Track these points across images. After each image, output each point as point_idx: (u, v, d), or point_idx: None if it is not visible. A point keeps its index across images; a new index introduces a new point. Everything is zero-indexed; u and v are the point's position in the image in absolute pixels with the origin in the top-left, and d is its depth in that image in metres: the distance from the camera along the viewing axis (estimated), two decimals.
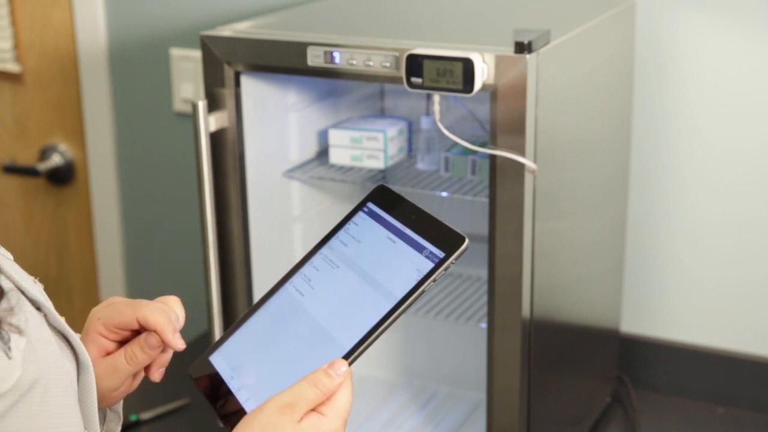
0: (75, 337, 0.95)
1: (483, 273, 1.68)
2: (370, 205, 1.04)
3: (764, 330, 1.82)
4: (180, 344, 1.03)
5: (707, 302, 1.87)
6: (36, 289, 0.93)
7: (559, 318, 1.56)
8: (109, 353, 1.04)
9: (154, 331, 1.02)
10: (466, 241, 0.94)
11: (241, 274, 1.59)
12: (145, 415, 1.83)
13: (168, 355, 1.06)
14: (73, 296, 2.50)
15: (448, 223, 0.96)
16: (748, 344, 1.84)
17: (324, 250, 1.04)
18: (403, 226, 0.99)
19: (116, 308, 1.04)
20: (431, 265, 0.95)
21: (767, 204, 1.77)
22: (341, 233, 1.04)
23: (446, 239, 0.95)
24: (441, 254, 0.95)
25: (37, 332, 0.87)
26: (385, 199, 1.03)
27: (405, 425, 1.77)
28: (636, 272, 1.89)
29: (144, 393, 1.87)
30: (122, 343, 1.04)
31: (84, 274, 2.47)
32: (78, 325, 1.08)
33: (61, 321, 0.94)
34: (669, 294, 1.89)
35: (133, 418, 1.82)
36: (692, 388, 1.88)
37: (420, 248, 0.96)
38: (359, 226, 1.03)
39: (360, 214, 1.04)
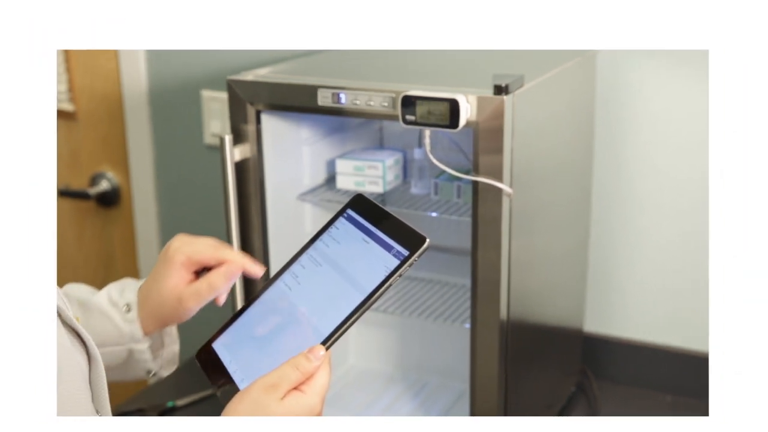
0: (87, 336, 0.97)
1: (467, 281, 1.68)
2: (350, 212, 1.06)
3: (704, 329, 1.82)
4: (259, 270, 1.13)
5: (657, 305, 1.87)
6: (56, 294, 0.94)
7: (531, 319, 1.56)
8: (187, 281, 1.14)
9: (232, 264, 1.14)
10: (428, 240, 0.95)
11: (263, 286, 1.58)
12: (180, 402, 1.84)
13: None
14: None
15: (412, 226, 0.98)
16: (691, 341, 1.85)
17: (310, 250, 1.06)
18: (376, 229, 1.00)
19: (198, 247, 1.15)
20: (397, 262, 0.96)
21: (706, 222, 1.77)
22: (325, 236, 1.06)
23: (411, 239, 0.96)
24: (406, 252, 0.96)
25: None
26: (362, 206, 1.05)
27: (401, 410, 1.77)
28: (597, 280, 1.90)
29: (179, 382, 1.89)
30: (195, 274, 1.16)
31: None
32: None
33: (74, 321, 0.96)
34: (625, 298, 1.89)
35: (169, 404, 1.82)
36: (644, 379, 1.88)
37: (388, 248, 0.97)
38: (340, 229, 1.05)
39: (341, 219, 1.06)
